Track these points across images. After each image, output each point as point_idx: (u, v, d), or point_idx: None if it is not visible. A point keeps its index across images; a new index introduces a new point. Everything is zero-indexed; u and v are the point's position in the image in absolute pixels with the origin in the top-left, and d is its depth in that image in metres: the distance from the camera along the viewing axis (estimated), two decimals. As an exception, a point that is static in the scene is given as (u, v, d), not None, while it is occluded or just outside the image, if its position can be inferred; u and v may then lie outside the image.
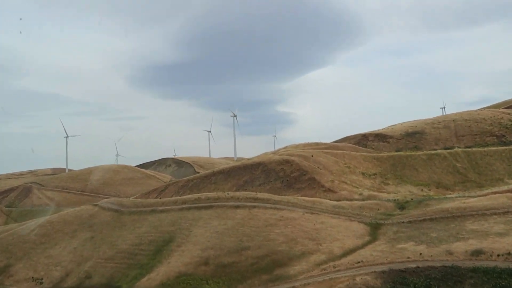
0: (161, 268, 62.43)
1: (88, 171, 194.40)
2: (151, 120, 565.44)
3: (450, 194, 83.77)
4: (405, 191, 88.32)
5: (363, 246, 57.13)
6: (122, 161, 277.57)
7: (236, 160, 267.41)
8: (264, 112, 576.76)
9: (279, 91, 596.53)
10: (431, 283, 43.51)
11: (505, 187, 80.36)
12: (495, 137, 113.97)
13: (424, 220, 62.45)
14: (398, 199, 77.54)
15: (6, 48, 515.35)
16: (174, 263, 62.21)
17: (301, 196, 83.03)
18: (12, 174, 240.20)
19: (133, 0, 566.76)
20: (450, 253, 49.18)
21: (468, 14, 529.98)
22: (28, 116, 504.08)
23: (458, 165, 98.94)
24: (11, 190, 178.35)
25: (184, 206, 79.74)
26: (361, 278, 45.62)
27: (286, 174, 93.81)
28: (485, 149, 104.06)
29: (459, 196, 76.06)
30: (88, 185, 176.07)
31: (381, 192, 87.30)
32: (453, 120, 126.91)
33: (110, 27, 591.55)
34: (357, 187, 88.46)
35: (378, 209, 72.40)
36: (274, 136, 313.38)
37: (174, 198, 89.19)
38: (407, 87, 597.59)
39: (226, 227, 68.08)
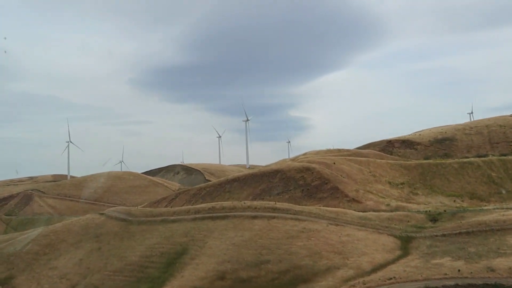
0: (173, 282, 62.05)
1: (92, 178, 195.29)
2: (156, 124, 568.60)
3: (485, 205, 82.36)
4: (436, 202, 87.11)
5: (394, 261, 56.17)
6: (126, 168, 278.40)
7: (249, 167, 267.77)
8: (276, 117, 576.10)
9: (292, 95, 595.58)
10: (472, 302, 42.50)
11: (547, 199, 78.76)
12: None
13: (460, 233, 61.31)
14: (429, 211, 76.38)
15: (3, 49, 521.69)
16: (188, 277, 61.78)
17: (323, 206, 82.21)
18: (11, 180, 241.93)
19: (138, 1, 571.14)
20: (491, 269, 48.06)
21: (494, 14, 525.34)
22: (26, 121, 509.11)
23: (493, 174, 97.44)
24: (11, 197, 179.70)
25: (197, 216, 79.44)
26: (395, 296, 44.75)
27: (306, 183, 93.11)
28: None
29: (497, 208, 74.68)
30: (92, 192, 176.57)
31: (410, 203, 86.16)
32: (486, 126, 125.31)
33: (113, 28, 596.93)
34: (384, 197, 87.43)
35: (408, 221, 71.42)
36: (288, 142, 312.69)
37: (186, 207, 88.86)
38: (430, 91, 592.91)
39: (244, 238, 67.54)
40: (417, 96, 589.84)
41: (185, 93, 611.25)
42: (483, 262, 50.14)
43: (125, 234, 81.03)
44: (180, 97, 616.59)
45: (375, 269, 54.45)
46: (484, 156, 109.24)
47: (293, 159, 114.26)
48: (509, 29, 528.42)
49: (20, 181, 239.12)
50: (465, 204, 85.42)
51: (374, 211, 79.22)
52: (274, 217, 72.58)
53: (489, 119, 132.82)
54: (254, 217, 73.64)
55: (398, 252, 59.40)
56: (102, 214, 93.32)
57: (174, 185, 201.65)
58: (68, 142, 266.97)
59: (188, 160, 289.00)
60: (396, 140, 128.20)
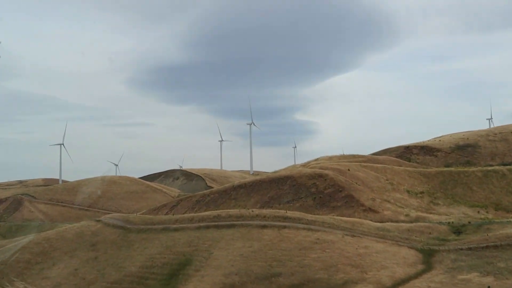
0: (177, 296, 61.57)
1: (86, 183, 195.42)
2: (154, 127, 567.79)
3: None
4: (458, 213, 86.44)
5: (417, 275, 55.60)
6: (122, 172, 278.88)
7: (253, 173, 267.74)
8: (281, 120, 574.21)
9: (298, 98, 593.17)
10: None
11: None
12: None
13: (487, 247, 60.66)
14: (452, 222, 75.89)
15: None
16: (192, 290, 61.27)
17: (337, 215, 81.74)
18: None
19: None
20: (524, 287, 47.41)
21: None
22: (17, 121, 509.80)
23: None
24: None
25: (201, 224, 79.12)
26: (420, 314, 44.13)
27: (319, 190, 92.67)
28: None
29: (526, 220, 74.05)
30: (86, 198, 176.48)
31: (430, 213, 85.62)
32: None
33: (111, 24, 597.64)
34: (402, 207, 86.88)
35: (430, 233, 70.92)
36: (294, 147, 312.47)
37: (189, 214, 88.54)
38: (445, 95, 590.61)
39: (253, 249, 67.07)
40: (432, 100, 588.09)
41: (185, 94, 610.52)
42: (515, 279, 49.50)
43: (123, 243, 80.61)
44: (180, 98, 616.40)
45: (396, 285, 53.88)
46: (510, 164, 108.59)
47: (304, 165, 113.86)
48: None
49: (9, 184, 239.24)
50: (490, 216, 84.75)
51: (392, 221, 78.81)
52: (285, 227, 72.21)
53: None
54: (264, 227, 73.28)
55: (420, 266, 58.79)
56: (98, 221, 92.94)
57: (173, 191, 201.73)
58: (60, 144, 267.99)
59: (188, 165, 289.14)
60: (414, 146, 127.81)
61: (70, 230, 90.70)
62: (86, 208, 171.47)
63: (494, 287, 48.23)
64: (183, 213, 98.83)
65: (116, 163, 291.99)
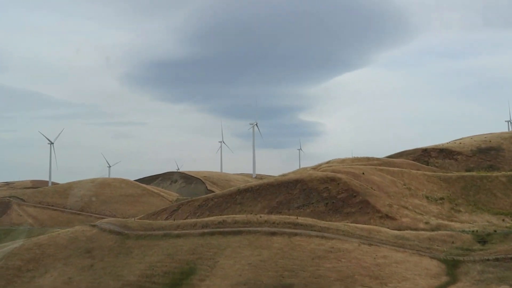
0: (180, 307, 61.23)
1: (78, 185, 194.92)
2: (149, 126, 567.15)
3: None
4: (482, 221, 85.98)
5: (441, 288, 55.05)
6: (114, 174, 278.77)
7: (255, 177, 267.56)
8: (285, 121, 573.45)
9: (303, 97, 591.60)
10: None
11: None
12: None
13: (516, 258, 60.20)
14: (476, 231, 75.34)
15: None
16: (197, 302, 60.93)
17: (352, 222, 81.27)
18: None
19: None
20: (559, 301, 46.84)
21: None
22: (2, 118, 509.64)
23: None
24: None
25: (205, 230, 78.79)
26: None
27: (331, 195, 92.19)
28: None
29: (556, 229, 73.54)
30: (78, 201, 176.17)
31: (452, 221, 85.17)
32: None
33: (103, 17, 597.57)
34: (422, 214, 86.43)
35: (453, 242, 70.40)
36: (299, 149, 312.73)
37: (191, 220, 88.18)
38: (461, 94, 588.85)
39: (262, 258, 66.69)
40: (446, 100, 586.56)
41: (182, 91, 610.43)
42: (548, 292, 48.97)
43: (121, 250, 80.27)
44: (177, 95, 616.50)
45: (419, 298, 53.35)
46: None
47: (315, 168, 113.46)
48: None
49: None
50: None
51: (411, 229, 78.30)
52: (296, 234, 71.83)
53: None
54: (273, 234, 72.93)
55: (444, 278, 58.35)
56: (93, 226, 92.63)
57: (171, 195, 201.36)
58: (50, 143, 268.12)
59: (186, 167, 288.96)
60: (432, 148, 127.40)
61: (63, 235, 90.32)
62: (78, 212, 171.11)
63: (526, 302, 47.66)
64: (185, 218, 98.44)
65: (109, 165, 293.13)
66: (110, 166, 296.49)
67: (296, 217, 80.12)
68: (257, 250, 69.06)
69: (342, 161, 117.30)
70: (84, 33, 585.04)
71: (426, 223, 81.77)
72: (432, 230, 77.49)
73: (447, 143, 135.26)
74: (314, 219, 79.70)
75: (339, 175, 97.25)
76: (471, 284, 54.89)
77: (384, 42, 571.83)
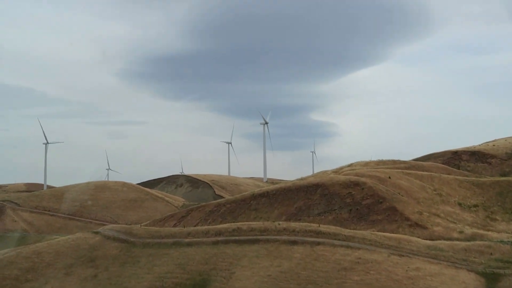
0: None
1: (77, 189, 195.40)
2: (149, 125, 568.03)
3: None
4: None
5: (482, 304, 54.11)
6: (113, 177, 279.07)
7: (266, 181, 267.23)
8: (294, 120, 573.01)
9: (314, 95, 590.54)
10: None
11: None
12: None
13: None
14: (517, 241, 74.25)
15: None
16: (212, 316, 60.46)
17: (378, 231, 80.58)
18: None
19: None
20: None
21: None
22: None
23: None
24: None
25: (219, 238, 78.29)
26: None
27: (355, 201, 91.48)
28: None
29: None
30: (77, 206, 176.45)
31: (488, 230, 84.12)
32: None
33: (100, 8, 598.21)
34: (455, 222, 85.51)
35: (491, 254, 69.17)
36: (312, 152, 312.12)
37: (203, 227, 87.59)
38: (487, 93, 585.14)
39: (282, 269, 66.08)
40: (469, 98, 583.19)
41: (184, 88, 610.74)
42: None
43: (127, 259, 79.86)
44: (177, 92, 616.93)
45: (458, 314, 52.50)
46: None
47: (336, 171, 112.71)
48: None
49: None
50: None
51: (444, 239, 77.40)
52: (318, 243, 71.15)
53: None
54: (293, 243, 72.34)
55: (484, 293, 57.37)
56: (96, 232, 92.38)
57: (177, 200, 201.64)
58: (45, 143, 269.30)
59: (189, 170, 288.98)
60: (463, 151, 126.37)
61: (63, 243, 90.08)
62: (77, 218, 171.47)
63: None
64: (195, 225, 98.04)
65: (108, 167, 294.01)
66: (109, 169, 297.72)
67: (318, 224, 79.46)
68: (277, 260, 68.44)
69: (366, 164, 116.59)
70: (79, 26, 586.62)
71: (460, 232, 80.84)
72: (467, 240, 76.45)
73: (479, 145, 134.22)
74: (337, 227, 78.96)
75: (363, 179, 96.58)
76: (515, 299, 53.96)
77: (401, 37, 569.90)
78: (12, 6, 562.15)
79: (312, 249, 69.73)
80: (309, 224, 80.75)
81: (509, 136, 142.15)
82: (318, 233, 74.25)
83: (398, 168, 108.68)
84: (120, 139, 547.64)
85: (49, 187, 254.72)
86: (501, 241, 74.77)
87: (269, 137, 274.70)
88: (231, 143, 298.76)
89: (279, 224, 79.25)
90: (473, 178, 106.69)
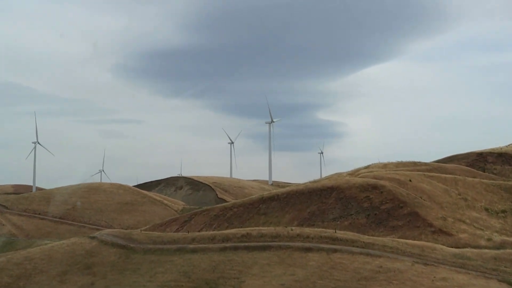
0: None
1: (68, 191, 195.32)
2: (146, 124, 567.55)
3: None
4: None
5: (517, 318, 53.58)
6: (107, 179, 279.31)
7: (272, 184, 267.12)
8: (301, 120, 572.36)
9: (322, 92, 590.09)
10: None
11: None
12: None
13: None
14: (550, 250, 73.75)
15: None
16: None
17: (399, 237, 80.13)
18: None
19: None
20: None
21: None
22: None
23: None
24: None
25: (227, 244, 77.94)
26: None
27: (373, 205, 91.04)
28: None
29: None
30: (70, 209, 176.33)
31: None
32: None
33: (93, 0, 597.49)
34: (482, 229, 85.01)
35: (524, 263, 68.86)
36: (320, 153, 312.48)
37: (209, 232, 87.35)
38: (508, 91, 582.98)
39: (296, 278, 65.56)
40: (491, 97, 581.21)
41: (184, 85, 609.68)
42: None
43: (127, 266, 79.53)
44: (176, 89, 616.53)
45: (491, 328, 52.00)
46: None
47: (352, 173, 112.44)
48: None
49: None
50: None
51: (471, 247, 76.86)
52: (335, 250, 70.67)
53: None
54: (308, 250, 71.90)
55: (518, 306, 56.83)
56: (92, 238, 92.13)
57: (176, 203, 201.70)
58: (35, 143, 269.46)
59: (188, 171, 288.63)
60: (489, 152, 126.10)
61: (57, 248, 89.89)
62: (69, 221, 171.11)
63: None
64: (199, 231, 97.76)
65: (101, 169, 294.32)
66: (102, 170, 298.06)
67: (334, 230, 78.97)
68: (290, 268, 67.92)
69: (384, 165, 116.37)
70: (70, 19, 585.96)
71: (488, 239, 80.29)
72: (497, 248, 75.92)
73: (506, 146, 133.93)
74: (355, 233, 78.57)
75: (382, 182, 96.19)
76: (553, 313, 53.40)
77: (415, 32, 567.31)
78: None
79: (328, 257, 69.23)
80: (324, 229, 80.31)
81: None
82: (335, 240, 73.95)
83: (419, 171, 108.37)
84: (115, 138, 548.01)
85: (38, 189, 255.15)
86: (533, 250, 74.40)
87: (273, 137, 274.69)
88: (233, 143, 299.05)
89: (291, 230, 78.87)
90: (501, 182, 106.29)
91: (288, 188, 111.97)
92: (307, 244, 73.31)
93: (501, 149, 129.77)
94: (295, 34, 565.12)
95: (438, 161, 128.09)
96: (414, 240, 78.64)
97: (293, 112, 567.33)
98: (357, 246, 71.75)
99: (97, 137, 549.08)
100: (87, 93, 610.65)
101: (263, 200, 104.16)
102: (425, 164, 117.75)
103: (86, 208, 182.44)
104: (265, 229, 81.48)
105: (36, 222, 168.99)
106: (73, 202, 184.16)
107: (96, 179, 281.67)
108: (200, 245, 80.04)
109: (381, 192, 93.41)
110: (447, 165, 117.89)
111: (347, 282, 63.07)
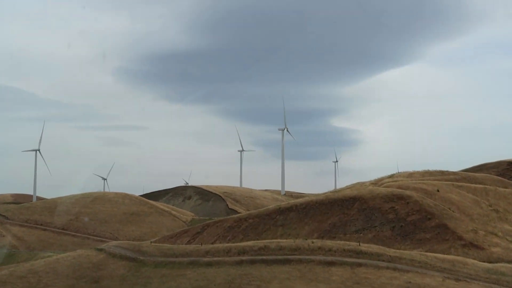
0: None
1: (72, 201, 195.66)
2: (150, 131, 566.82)
3: None
4: None
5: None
6: (114, 189, 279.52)
7: (285, 194, 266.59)
8: (313, 127, 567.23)
9: (336, 98, 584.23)
10: None
11: None
12: None
13: None
14: None
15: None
16: None
17: (427, 251, 79.94)
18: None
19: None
20: None
21: None
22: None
23: None
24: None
25: (243, 258, 77.78)
26: None
27: (399, 217, 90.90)
28: None
29: None
30: (73, 220, 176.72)
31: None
32: None
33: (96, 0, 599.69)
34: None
35: (562, 279, 68.39)
36: (335, 162, 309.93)
37: (224, 245, 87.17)
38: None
39: (320, 294, 65.42)
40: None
41: (190, 89, 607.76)
42: None
43: (136, 280, 79.60)
44: (182, 94, 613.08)
45: None
46: None
47: (375, 183, 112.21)
48: None
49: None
50: None
51: (504, 261, 76.68)
52: (360, 265, 70.57)
53: None
54: (330, 263, 71.75)
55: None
56: (100, 250, 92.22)
57: (185, 214, 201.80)
58: (36, 150, 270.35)
59: (195, 181, 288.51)
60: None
61: (63, 261, 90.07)
62: (72, 233, 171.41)
63: None
64: (213, 243, 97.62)
65: (105, 177, 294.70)
66: (106, 179, 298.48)
67: (357, 243, 78.72)
68: (312, 283, 67.79)
69: (410, 175, 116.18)
70: (72, 19, 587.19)
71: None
72: (532, 263, 75.74)
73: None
74: (380, 247, 78.31)
75: (408, 192, 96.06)
76: None
77: (436, 33, 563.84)
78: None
79: (352, 271, 69.02)
80: (347, 242, 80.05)
81: None
82: (359, 253, 73.74)
83: (447, 180, 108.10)
84: (119, 145, 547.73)
85: (38, 198, 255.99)
86: None
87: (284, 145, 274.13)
88: (243, 150, 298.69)
89: (312, 243, 78.64)
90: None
91: (306, 198, 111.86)
92: (330, 258, 73.10)
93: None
94: (307, 36, 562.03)
95: (466, 170, 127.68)
96: (443, 254, 78.40)
97: (305, 118, 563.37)
98: (383, 260, 71.52)
99: (99, 144, 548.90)
100: (89, 98, 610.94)
101: (280, 211, 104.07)
102: (454, 173, 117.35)
103: (91, 218, 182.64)
104: (284, 242, 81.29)
105: (38, 233, 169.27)
106: (76, 212, 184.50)
107: (99, 188, 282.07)
108: (215, 258, 79.88)
109: (407, 203, 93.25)
110: (476, 174, 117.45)
111: (374, 299, 62.99)
